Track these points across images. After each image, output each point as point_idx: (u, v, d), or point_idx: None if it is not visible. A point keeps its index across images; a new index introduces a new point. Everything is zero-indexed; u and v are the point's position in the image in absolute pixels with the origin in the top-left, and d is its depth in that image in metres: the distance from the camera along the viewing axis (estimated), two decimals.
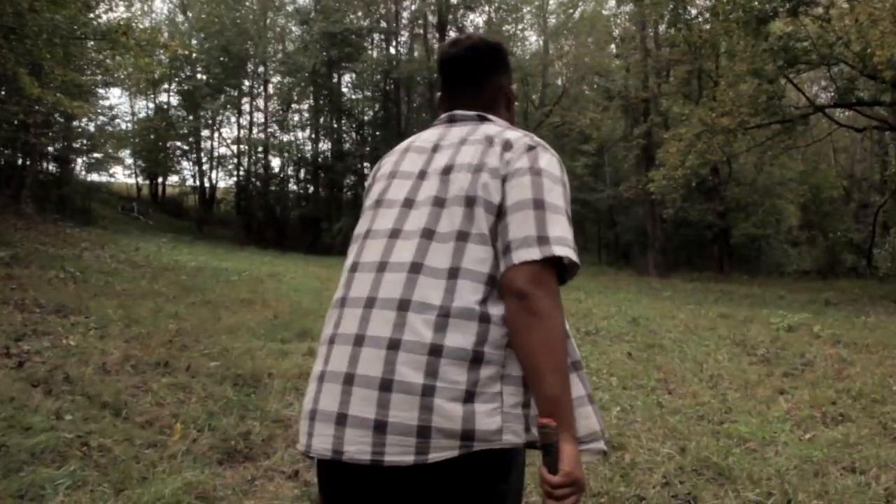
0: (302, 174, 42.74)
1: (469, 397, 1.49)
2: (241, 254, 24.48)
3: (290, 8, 41.08)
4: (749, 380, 7.34)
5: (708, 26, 24.41)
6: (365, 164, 38.45)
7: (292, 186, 43.54)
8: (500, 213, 1.62)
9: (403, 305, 1.55)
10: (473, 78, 1.92)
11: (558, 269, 1.59)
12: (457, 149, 1.75)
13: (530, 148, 1.70)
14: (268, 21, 41.46)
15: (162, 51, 15.88)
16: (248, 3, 40.87)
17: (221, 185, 45.61)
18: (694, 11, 26.78)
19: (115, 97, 56.48)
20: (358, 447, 1.49)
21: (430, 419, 1.47)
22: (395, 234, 1.67)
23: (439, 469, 1.49)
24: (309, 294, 11.79)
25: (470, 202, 1.63)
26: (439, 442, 1.47)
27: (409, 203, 1.71)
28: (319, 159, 40.21)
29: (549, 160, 1.69)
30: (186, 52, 22.52)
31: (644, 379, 7.18)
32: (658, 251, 30.83)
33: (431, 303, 1.54)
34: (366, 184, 1.95)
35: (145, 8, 39.67)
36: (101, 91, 30.57)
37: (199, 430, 4.28)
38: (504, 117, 1.93)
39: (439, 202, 1.66)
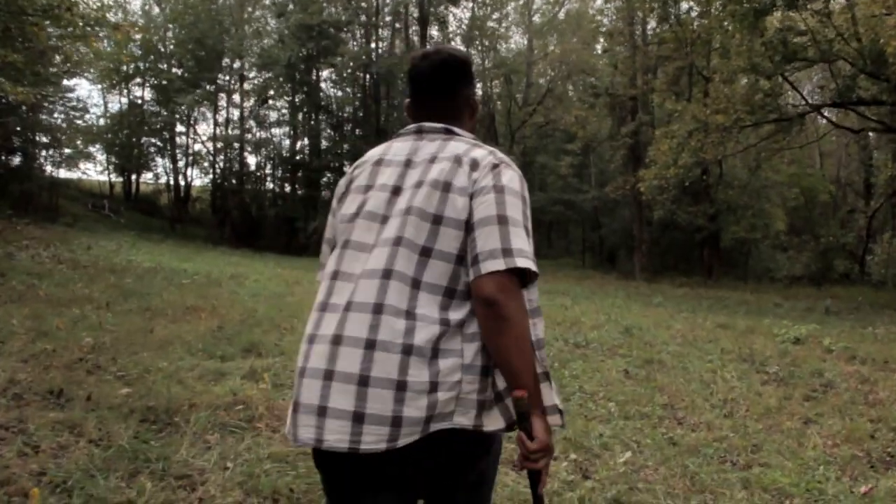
0: (279, 172, 41.54)
1: (433, 388, 1.70)
2: (210, 254, 23.27)
3: (267, 0, 39.72)
4: (768, 405, 6.30)
5: (699, 21, 23.51)
6: (343, 163, 37.28)
7: (269, 185, 42.37)
8: (468, 227, 1.80)
9: (377, 309, 1.72)
10: (444, 91, 2.06)
11: (520, 276, 1.77)
12: (428, 166, 1.89)
13: (494, 166, 1.87)
14: (245, 14, 40.17)
15: (110, 32, 14.60)
16: None
17: (197, 182, 44.31)
18: (685, 6, 25.81)
19: (84, 90, 54.90)
20: (337, 436, 1.67)
21: (401, 410, 1.67)
22: (372, 247, 1.84)
23: (407, 450, 1.69)
24: (269, 300, 10.61)
25: (437, 220, 1.80)
26: (408, 429, 1.68)
27: (385, 219, 1.86)
28: (297, 157, 38.97)
29: (510, 177, 1.86)
30: (137, 34, 21.17)
31: (647, 405, 6.11)
32: (645, 255, 29.87)
33: (400, 307, 1.73)
34: (337, 190, 2.06)
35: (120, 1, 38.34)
36: (66, 83, 29.39)
37: (68, 495, 3.16)
38: (468, 126, 2.08)
39: (408, 212, 1.82)
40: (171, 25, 38.82)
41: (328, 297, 1.83)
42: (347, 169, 2.17)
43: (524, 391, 1.74)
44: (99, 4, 13.31)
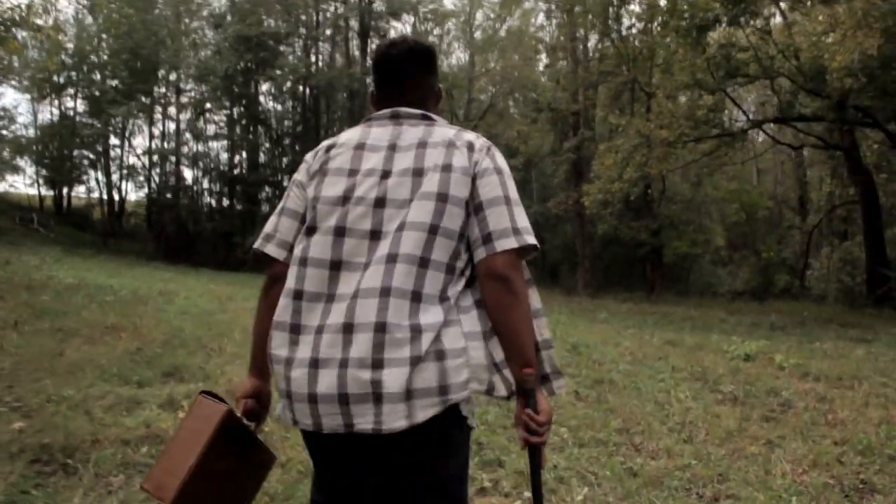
0: (217, 187, 40.52)
1: (440, 355, 1.76)
2: (142, 269, 22.37)
3: (204, 12, 38.81)
4: (728, 428, 5.95)
5: (640, 38, 23.55)
6: (282, 177, 36.48)
7: (206, 199, 41.27)
8: (468, 206, 1.88)
9: (385, 292, 1.75)
10: (410, 78, 2.10)
11: (522, 253, 1.89)
12: (420, 151, 1.93)
13: (488, 149, 1.97)
14: (182, 26, 39.17)
15: (32, 35, 13.81)
16: (160, 6, 38.53)
17: (132, 197, 43.02)
18: (627, 22, 25.84)
19: (10, 99, 53.31)
20: (362, 419, 1.71)
21: (412, 382, 1.71)
22: (375, 235, 1.84)
23: (423, 425, 1.74)
24: (197, 318, 9.98)
25: (442, 198, 1.84)
26: (423, 401, 1.73)
27: (381, 202, 1.86)
28: (235, 171, 38.04)
29: (502, 159, 2.00)
30: (65, 41, 20.22)
31: (602, 430, 5.70)
32: (587, 270, 29.72)
33: (406, 288, 1.76)
34: (308, 166, 2.04)
35: (48, 6, 37.04)
36: None
37: None
38: (435, 113, 2.12)
39: (412, 201, 1.85)
40: (104, 35, 37.63)
41: (332, 287, 1.82)
42: (287, 182, 2.03)
43: (532, 369, 1.86)
44: (21, 5, 12.50)
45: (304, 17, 37.03)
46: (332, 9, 37.09)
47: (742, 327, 15.20)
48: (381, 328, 1.71)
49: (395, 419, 1.70)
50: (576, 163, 29.98)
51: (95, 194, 41.21)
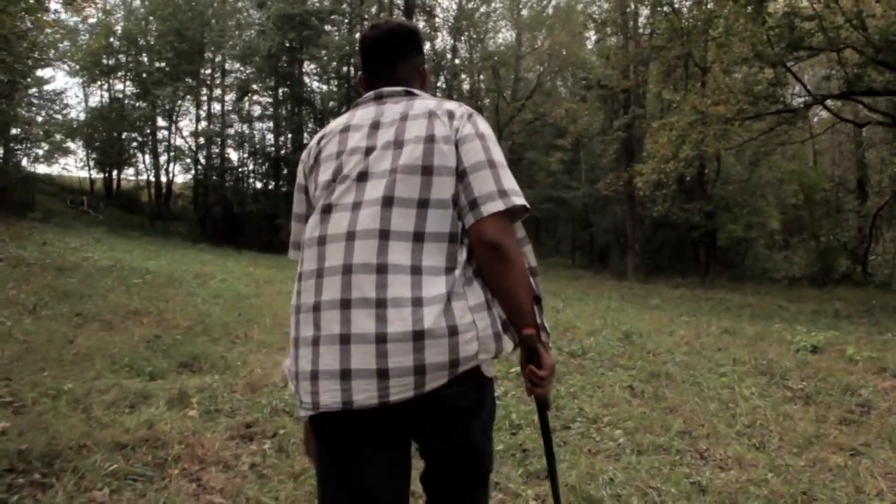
0: (262, 168, 40.39)
1: (453, 331, 1.74)
2: (184, 251, 22.15)
3: None
4: (804, 433, 5.27)
5: (693, 11, 22.54)
6: None
7: (251, 181, 41.18)
8: (458, 173, 1.86)
9: (381, 269, 1.75)
10: (393, 58, 2.11)
11: (511, 214, 1.87)
12: (401, 124, 1.93)
13: (469, 115, 1.97)
14: (227, 6, 39.00)
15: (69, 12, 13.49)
16: None
17: (179, 179, 43.18)
18: None
19: (61, 83, 54.24)
20: (366, 395, 1.71)
21: (423, 358, 1.71)
22: (357, 206, 1.84)
23: (432, 393, 1.75)
24: (229, 302, 9.52)
25: (428, 171, 1.83)
26: (433, 374, 1.73)
27: (362, 177, 1.88)
28: (281, 152, 37.80)
29: (485, 125, 1.98)
30: (97, 8, 20.07)
31: (661, 433, 5.08)
32: (638, 254, 28.83)
33: (404, 263, 1.76)
34: (304, 164, 2.08)
35: None
36: (40, 74, 28.38)
37: None
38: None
39: (394, 172, 1.84)
40: (151, 17, 37.64)
41: (321, 262, 1.82)
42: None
43: (532, 328, 1.86)
44: None
45: None
46: None
47: (804, 315, 14.35)
48: (381, 304, 1.72)
49: (402, 391, 1.71)
50: (626, 142, 29.06)
51: (144, 177, 41.45)
